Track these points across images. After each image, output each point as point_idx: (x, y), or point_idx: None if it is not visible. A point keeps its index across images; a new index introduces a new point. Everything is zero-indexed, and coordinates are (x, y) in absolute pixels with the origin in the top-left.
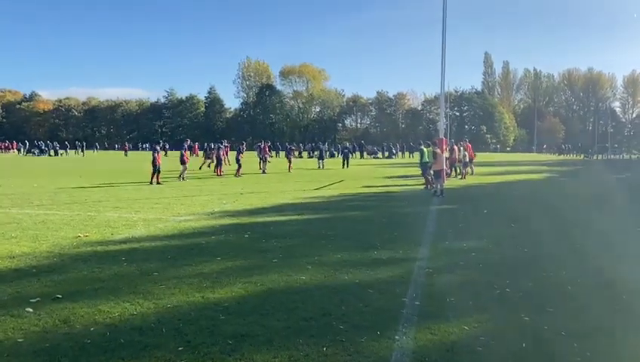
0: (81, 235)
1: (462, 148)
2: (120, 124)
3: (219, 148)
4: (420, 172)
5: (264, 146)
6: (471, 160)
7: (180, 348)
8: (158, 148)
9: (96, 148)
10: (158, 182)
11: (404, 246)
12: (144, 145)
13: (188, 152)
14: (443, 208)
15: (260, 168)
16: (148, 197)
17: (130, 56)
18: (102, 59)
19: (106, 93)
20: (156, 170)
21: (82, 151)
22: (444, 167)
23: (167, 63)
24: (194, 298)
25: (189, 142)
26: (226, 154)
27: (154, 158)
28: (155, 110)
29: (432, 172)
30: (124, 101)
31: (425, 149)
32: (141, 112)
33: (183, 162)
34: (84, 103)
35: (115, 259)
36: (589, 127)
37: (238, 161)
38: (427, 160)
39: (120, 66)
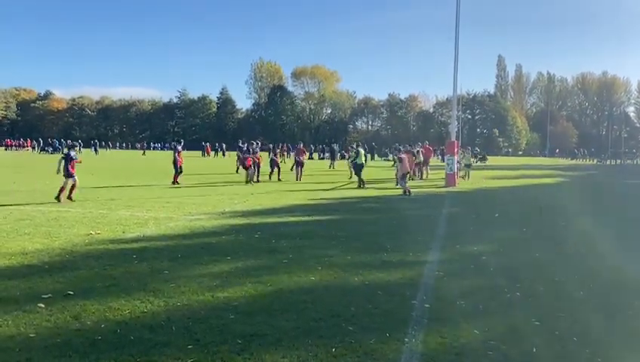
0: (93, 233)
1: (464, 151)
2: (133, 123)
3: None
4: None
5: (301, 148)
6: (426, 162)
7: (190, 347)
8: (179, 147)
9: (109, 147)
10: (175, 181)
11: (414, 249)
12: (156, 145)
13: (251, 157)
14: (454, 211)
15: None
16: (159, 196)
17: (143, 56)
18: (115, 59)
19: (119, 92)
20: (178, 171)
21: (95, 150)
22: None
23: (179, 64)
24: (204, 297)
25: (256, 145)
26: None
27: (175, 159)
28: (167, 110)
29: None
30: (137, 100)
31: (361, 150)
32: (154, 112)
33: (246, 167)
34: (97, 102)
35: (126, 257)
36: (603, 132)
37: (273, 162)
38: (362, 161)
39: (133, 66)
